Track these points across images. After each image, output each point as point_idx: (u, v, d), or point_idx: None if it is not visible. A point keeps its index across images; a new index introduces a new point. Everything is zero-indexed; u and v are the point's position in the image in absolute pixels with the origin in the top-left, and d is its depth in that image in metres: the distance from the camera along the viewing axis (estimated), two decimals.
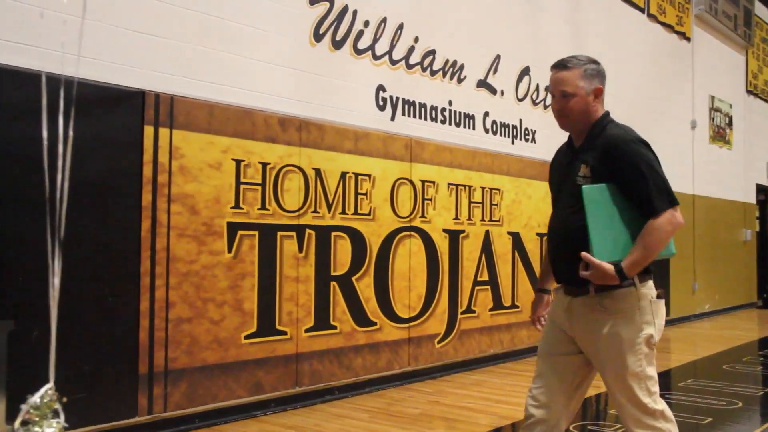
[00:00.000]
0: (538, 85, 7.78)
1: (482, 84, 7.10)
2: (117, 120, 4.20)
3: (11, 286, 3.74)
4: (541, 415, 2.76)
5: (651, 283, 2.74)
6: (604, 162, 2.68)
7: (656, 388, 2.69)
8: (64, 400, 1.23)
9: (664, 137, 10.60)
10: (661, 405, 2.68)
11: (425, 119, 6.40)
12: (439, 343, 6.39)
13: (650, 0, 10.31)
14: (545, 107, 7.84)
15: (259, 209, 4.90)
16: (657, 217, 2.58)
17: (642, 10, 10.14)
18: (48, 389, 1.20)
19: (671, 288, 10.41)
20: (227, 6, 4.85)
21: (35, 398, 1.18)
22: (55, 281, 1.10)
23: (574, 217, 2.69)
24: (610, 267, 2.57)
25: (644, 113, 9.98)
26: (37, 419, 1.17)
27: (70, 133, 1.33)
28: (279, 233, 5.02)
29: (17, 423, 1.18)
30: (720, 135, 12.52)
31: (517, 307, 7.33)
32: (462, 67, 6.82)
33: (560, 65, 2.79)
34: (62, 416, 1.21)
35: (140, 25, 4.37)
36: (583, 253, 2.59)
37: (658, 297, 2.75)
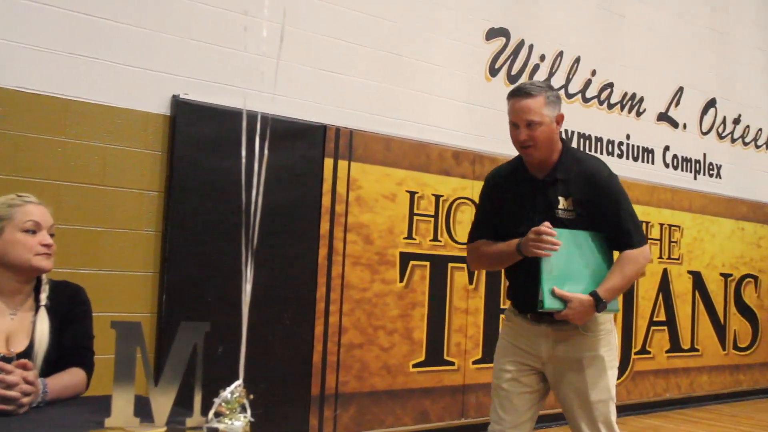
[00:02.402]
0: (725, 118, 7.37)
1: (663, 117, 6.84)
2: (299, 152, 4.45)
3: (210, 293, 4.04)
4: None
5: None
6: (587, 193, 2.67)
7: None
8: (251, 396, 1.33)
9: None
10: None
11: (601, 153, 6.25)
12: None
13: None
14: (733, 141, 7.41)
15: (431, 240, 4.98)
16: (634, 249, 2.66)
17: None
18: (237, 385, 1.31)
19: None
20: (405, 43, 5.02)
21: (226, 393, 1.29)
22: (248, 287, 1.21)
23: None
24: (587, 297, 2.54)
25: None
26: (227, 412, 1.28)
27: (263, 164, 1.44)
28: (450, 264, 5.08)
29: (210, 414, 1.30)
30: None
31: (697, 350, 6.91)
32: (641, 100, 6.62)
33: (522, 93, 2.65)
34: (249, 411, 1.31)
35: (323, 64, 4.62)
36: (556, 289, 2.53)
37: None
